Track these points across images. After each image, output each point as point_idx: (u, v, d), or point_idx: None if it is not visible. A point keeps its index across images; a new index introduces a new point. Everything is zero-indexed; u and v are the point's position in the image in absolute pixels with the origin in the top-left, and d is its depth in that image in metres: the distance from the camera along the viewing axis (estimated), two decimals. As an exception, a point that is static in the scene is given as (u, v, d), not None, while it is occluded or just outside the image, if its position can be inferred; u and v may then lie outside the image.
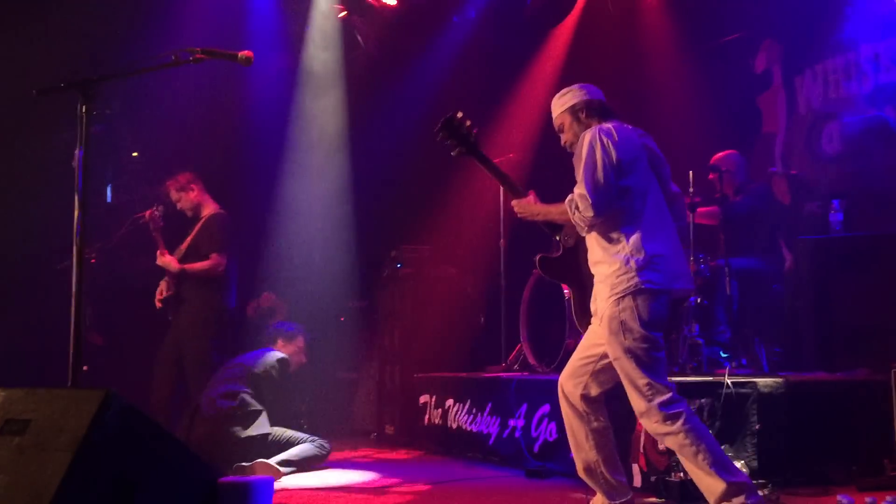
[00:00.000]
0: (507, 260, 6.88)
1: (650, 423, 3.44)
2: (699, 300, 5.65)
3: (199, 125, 8.54)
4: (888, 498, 3.00)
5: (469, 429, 5.98)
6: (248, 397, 5.68)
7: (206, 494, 2.23)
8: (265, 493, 2.30)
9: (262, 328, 8.29)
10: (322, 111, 8.83)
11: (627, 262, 3.46)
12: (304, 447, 5.55)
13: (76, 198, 5.00)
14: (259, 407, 5.64)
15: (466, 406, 6.07)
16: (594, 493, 3.78)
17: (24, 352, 7.08)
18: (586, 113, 3.71)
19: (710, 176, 5.96)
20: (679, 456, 3.45)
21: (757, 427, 4.47)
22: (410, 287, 7.38)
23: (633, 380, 3.43)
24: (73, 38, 6.97)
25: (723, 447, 4.21)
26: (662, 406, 3.37)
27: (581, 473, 3.73)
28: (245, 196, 8.78)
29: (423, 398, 6.63)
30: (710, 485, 3.33)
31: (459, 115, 3.93)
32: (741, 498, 3.27)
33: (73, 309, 4.72)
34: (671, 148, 7.17)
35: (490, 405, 5.80)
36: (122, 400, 2.26)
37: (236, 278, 6.74)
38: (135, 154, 9.04)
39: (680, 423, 3.35)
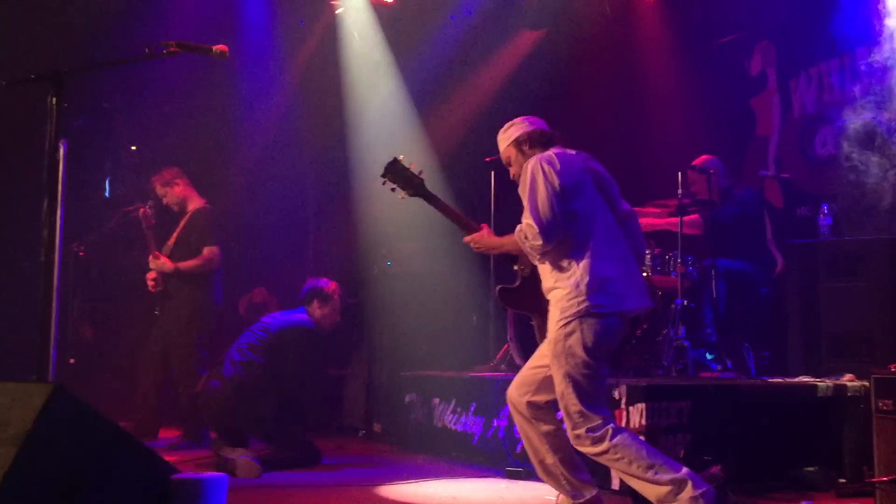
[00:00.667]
0: (497, 258, 6.84)
1: (581, 447, 3.51)
2: (686, 302, 5.63)
3: (195, 120, 8.53)
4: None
5: (454, 428, 5.96)
6: (255, 370, 5.54)
7: (158, 491, 2.21)
8: (219, 491, 2.28)
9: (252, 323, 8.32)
10: (316, 107, 8.81)
11: (577, 286, 3.49)
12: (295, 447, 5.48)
13: (59, 190, 5.03)
14: (264, 385, 5.49)
15: (451, 405, 6.05)
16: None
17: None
18: (529, 144, 3.76)
19: (691, 176, 5.94)
20: (616, 471, 3.53)
21: (736, 431, 4.47)
22: (400, 285, 7.35)
23: (567, 405, 3.49)
24: (47, 29, 6.93)
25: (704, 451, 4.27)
26: (590, 430, 3.44)
27: (542, 476, 3.75)
28: (238, 191, 8.78)
29: (410, 396, 6.61)
30: (653, 490, 3.37)
31: (402, 157, 3.99)
32: (687, 492, 3.29)
33: (51, 302, 4.75)
34: (665, 149, 7.24)
35: (475, 405, 5.78)
36: (70, 395, 2.24)
37: (222, 274, 6.74)
38: (133, 148, 9.05)
39: (606, 441, 3.41)
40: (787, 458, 4.54)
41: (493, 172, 6.70)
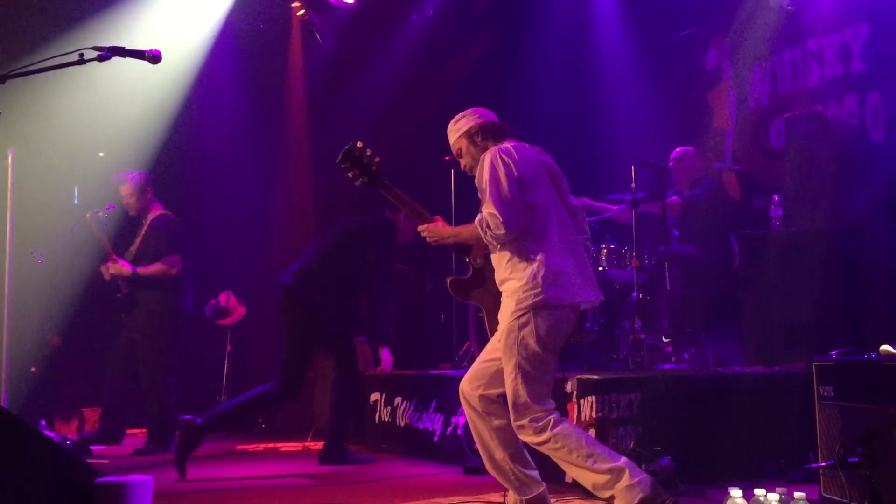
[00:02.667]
0: (458, 257, 6.86)
1: (524, 437, 3.54)
2: (642, 295, 5.67)
3: (160, 125, 8.51)
4: (778, 489, 3.00)
5: (415, 426, 5.98)
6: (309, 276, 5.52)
7: (81, 495, 2.22)
8: (143, 494, 2.29)
9: (219, 328, 8.32)
10: (280, 109, 8.82)
11: (534, 277, 3.50)
12: None
13: (8, 198, 5.04)
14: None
15: (413, 404, 6.07)
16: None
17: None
18: (481, 136, 3.75)
19: (671, 164, 6.00)
20: (556, 461, 3.51)
21: (687, 422, 4.51)
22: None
23: (514, 396, 3.51)
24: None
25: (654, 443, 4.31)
26: (532, 420, 3.47)
27: (490, 471, 3.76)
28: (206, 196, 8.78)
29: (374, 396, 6.63)
30: (591, 479, 3.40)
31: (360, 144, 3.95)
32: (624, 480, 3.32)
33: None
34: (624, 144, 7.28)
35: (435, 402, 5.80)
36: (-14, 400, 2.24)
37: (192, 279, 6.74)
38: (101, 154, 9.01)
39: (548, 431, 3.44)
40: (738, 448, 4.56)
41: (452, 171, 6.73)
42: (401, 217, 5.52)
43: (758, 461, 4.53)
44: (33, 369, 7.10)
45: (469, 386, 3.75)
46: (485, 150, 3.68)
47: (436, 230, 3.84)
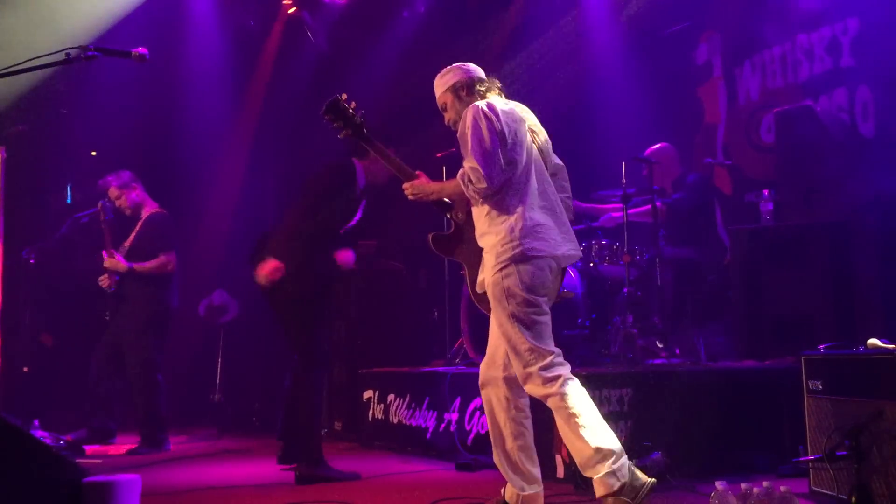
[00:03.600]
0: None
1: (531, 387, 3.52)
2: (632, 291, 5.68)
3: (152, 123, 8.52)
4: (764, 483, 3.02)
5: (408, 423, 5.99)
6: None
7: (69, 494, 2.22)
8: (131, 493, 2.29)
9: (212, 326, 8.32)
10: (272, 107, 8.82)
11: (512, 231, 3.54)
12: None
13: (-1, 199, 5.03)
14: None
15: (406, 400, 6.08)
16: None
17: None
18: (467, 91, 3.78)
19: (644, 172, 5.98)
20: (556, 417, 3.50)
21: (678, 417, 4.53)
22: (356, 282, 7.36)
23: (515, 345, 3.51)
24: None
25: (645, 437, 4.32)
26: (542, 369, 3.47)
27: (496, 460, 3.75)
28: (197, 194, 8.78)
29: (367, 393, 6.64)
30: (579, 449, 3.42)
31: (344, 96, 3.97)
32: (607, 464, 3.34)
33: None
34: (613, 139, 7.29)
35: (428, 399, 5.81)
36: (-29, 400, 2.24)
37: (178, 277, 6.73)
38: (94, 153, 9.01)
39: (558, 385, 3.44)
40: (729, 442, 4.59)
41: (444, 168, 6.73)
42: (367, 162, 5.00)
43: (748, 455, 4.55)
44: (25, 369, 7.09)
45: (491, 370, 3.75)
46: (469, 105, 3.69)
47: (420, 187, 3.87)
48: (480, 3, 8.44)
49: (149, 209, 6.71)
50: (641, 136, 6.72)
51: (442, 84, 3.86)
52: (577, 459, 3.47)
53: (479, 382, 3.80)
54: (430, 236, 3.97)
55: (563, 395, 3.42)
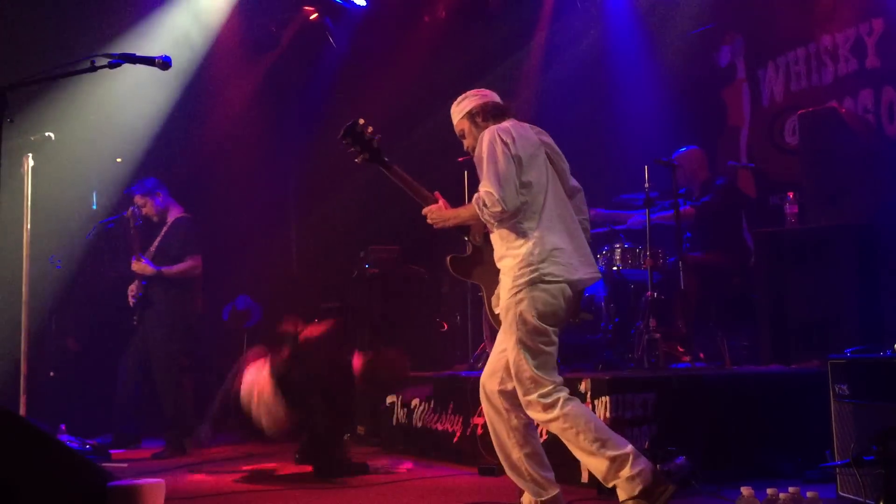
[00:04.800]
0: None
1: (532, 413, 3.56)
2: (656, 295, 5.65)
3: (177, 130, 8.58)
4: (791, 489, 2.99)
5: (434, 427, 5.98)
6: None
7: (93, 498, 2.24)
8: (155, 497, 2.31)
9: (236, 332, 8.37)
10: (294, 112, 8.86)
11: (529, 255, 3.55)
12: None
13: (26, 204, 5.08)
14: None
15: (431, 405, 6.07)
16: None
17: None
18: (482, 116, 3.80)
19: (675, 174, 5.97)
20: (564, 441, 3.52)
21: (702, 421, 4.49)
22: (379, 287, 7.37)
23: (518, 371, 3.54)
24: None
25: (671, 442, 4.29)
26: (541, 397, 3.49)
27: (507, 471, 3.76)
28: (221, 199, 8.83)
29: (391, 398, 6.63)
30: (595, 464, 3.43)
31: (361, 121, 3.98)
32: (626, 470, 3.35)
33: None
34: (636, 142, 7.26)
35: (452, 404, 5.80)
36: (1, 407, 2.27)
37: (203, 281, 6.77)
38: (119, 160, 9.09)
39: (557, 409, 3.46)
40: (754, 447, 4.56)
41: (465, 172, 6.74)
42: None
43: (774, 460, 4.51)
44: (52, 374, 7.16)
45: (489, 382, 3.78)
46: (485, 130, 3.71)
47: (438, 214, 3.87)
48: (502, 6, 8.43)
49: (174, 214, 6.76)
50: (664, 139, 6.70)
51: (458, 111, 3.88)
52: (595, 475, 3.48)
53: (481, 393, 3.83)
54: (448, 259, 4.01)
55: (564, 417, 3.45)
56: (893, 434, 3.30)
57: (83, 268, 7.69)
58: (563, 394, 3.50)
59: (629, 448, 3.42)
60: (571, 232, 3.68)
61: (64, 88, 7.27)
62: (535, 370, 3.50)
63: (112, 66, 3.29)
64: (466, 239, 4.01)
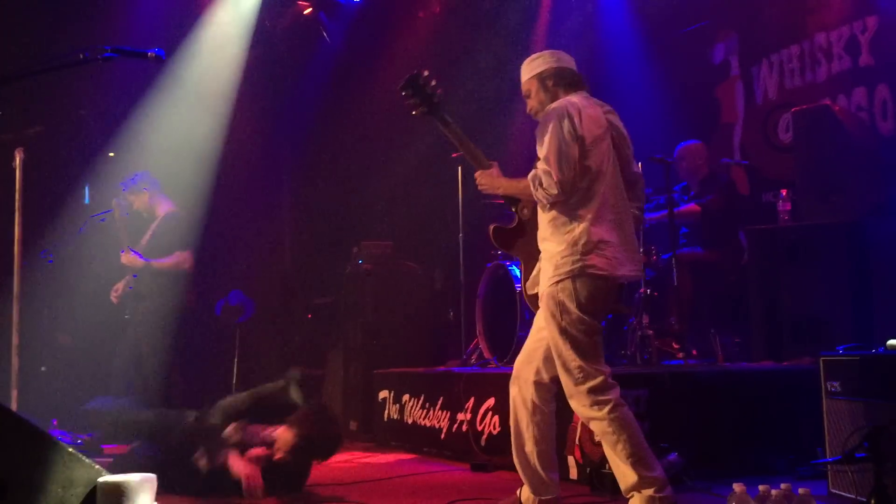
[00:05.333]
0: (466, 254, 6.87)
1: (577, 406, 3.44)
2: (649, 291, 5.65)
3: (169, 124, 8.54)
4: (782, 485, 3.00)
5: (423, 423, 5.99)
6: None
7: (85, 493, 2.23)
8: (147, 492, 2.30)
9: (229, 326, 8.35)
10: (285, 108, 8.83)
11: (574, 244, 3.41)
12: None
13: (17, 198, 5.05)
14: None
15: (420, 401, 6.07)
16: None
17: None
18: (554, 81, 3.60)
19: (678, 166, 5.99)
20: (601, 441, 3.44)
21: (695, 418, 4.50)
22: (372, 283, 7.37)
23: (565, 361, 3.42)
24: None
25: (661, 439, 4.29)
26: (591, 391, 3.37)
27: (515, 462, 3.69)
28: (213, 193, 8.80)
29: (383, 394, 6.63)
30: (622, 473, 3.36)
31: (426, 73, 3.70)
32: (650, 491, 3.28)
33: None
34: (631, 138, 7.24)
35: (441, 400, 5.80)
36: (-13, 399, 2.26)
37: (195, 277, 6.75)
38: (111, 154, 9.05)
39: (606, 410, 3.34)
40: (747, 444, 4.57)
41: (459, 168, 6.74)
42: None
43: (766, 457, 4.53)
44: (43, 368, 7.14)
45: (525, 370, 3.66)
46: (554, 96, 3.56)
47: (490, 180, 3.70)
48: (496, 3, 8.42)
49: (165, 208, 6.74)
50: (658, 137, 6.70)
51: (529, 70, 3.66)
52: (620, 483, 3.40)
53: (512, 379, 3.72)
54: (490, 227, 3.86)
55: (610, 422, 3.33)
56: (884, 431, 3.31)
57: (75, 262, 7.65)
58: (615, 396, 3.37)
59: (660, 473, 3.34)
60: (622, 224, 3.50)
61: (55, 82, 7.22)
62: (582, 359, 3.38)
63: (105, 59, 3.27)
64: (513, 210, 3.85)
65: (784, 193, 5.63)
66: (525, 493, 3.72)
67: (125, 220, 6.50)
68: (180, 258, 6.53)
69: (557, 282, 3.43)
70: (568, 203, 3.44)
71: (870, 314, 5.06)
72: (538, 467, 3.64)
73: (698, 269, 6.06)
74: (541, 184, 3.40)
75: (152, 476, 2.36)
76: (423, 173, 7.73)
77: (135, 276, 6.51)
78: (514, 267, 6.07)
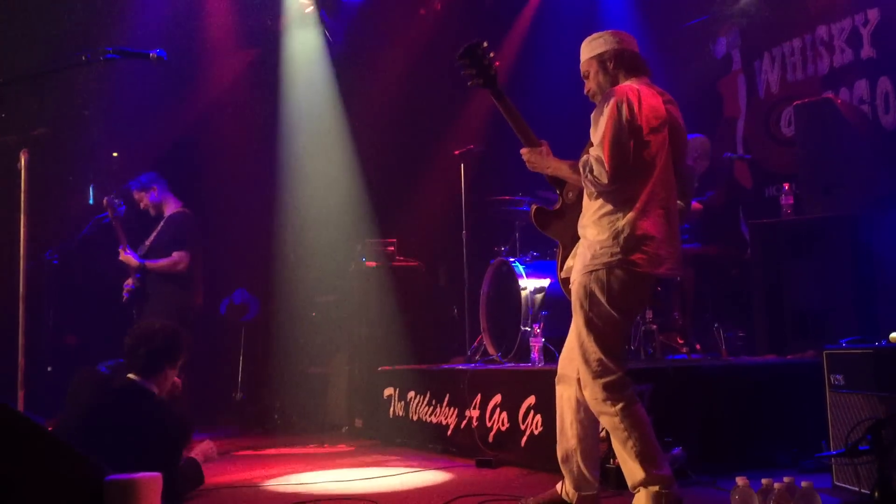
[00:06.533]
0: (470, 251, 6.89)
1: (590, 397, 3.39)
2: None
3: (173, 124, 8.57)
4: (785, 478, 3.01)
5: (429, 420, 5.99)
6: None
7: (90, 493, 2.25)
8: (152, 491, 2.32)
9: (233, 325, 8.38)
10: (289, 111, 8.85)
11: (617, 236, 3.31)
12: None
13: (22, 199, 5.07)
14: None
15: (426, 398, 6.08)
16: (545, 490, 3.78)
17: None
18: (615, 63, 3.48)
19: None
20: (611, 436, 3.42)
21: (699, 412, 4.51)
22: (376, 280, 7.39)
23: (585, 351, 3.36)
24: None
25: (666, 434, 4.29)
26: (606, 387, 3.32)
27: (559, 459, 3.67)
28: (218, 193, 8.83)
29: (388, 391, 6.65)
30: (632, 470, 3.33)
31: (485, 44, 3.58)
32: (656, 487, 3.27)
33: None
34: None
35: (448, 396, 5.81)
36: (-6, 400, 2.29)
37: (202, 275, 6.77)
38: (115, 154, 9.08)
39: (619, 407, 3.31)
40: (750, 438, 4.57)
41: (461, 164, 6.76)
42: None
43: (770, 450, 4.53)
44: (49, 369, 7.17)
45: (569, 367, 3.59)
46: (614, 79, 3.46)
47: (538, 158, 3.62)
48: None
49: (172, 208, 6.75)
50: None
51: (589, 50, 3.54)
52: (627, 479, 3.38)
53: (556, 377, 3.69)
54: (533, 208, 3.81)
55: (622, 418, 3.30)
56: (887, 424, 3.32)
57: (80, 262, 7.68)
58: (629, 394, 3.34)
59: (667, 472, 3.32)
60: (669, 220, 3.38)
61: (60, 84, 7.25)
62: (603, 353, 3.32)
63: (106, 60, 3.28)
64: (558, 193, 3.80)
65: (787, 187, 5.63)
66: (567, 488, 3.67)
67: (120, 219, 6.52)
68: (174, 260, 6.53)
69: (591, 271, 3.34)
70: (616, 193, 3.33)
71: (873, 307, 5.07)
72: (581, 464, 3.60)
73: (701, 263, 6.07)
74: (591, 170, 3.30)
75: (158, 475, 2.38)
76: (427, 170, 7.74)
77: (138, 275, 6.53)
78: (517, 263, 6.09)
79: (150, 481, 2.35)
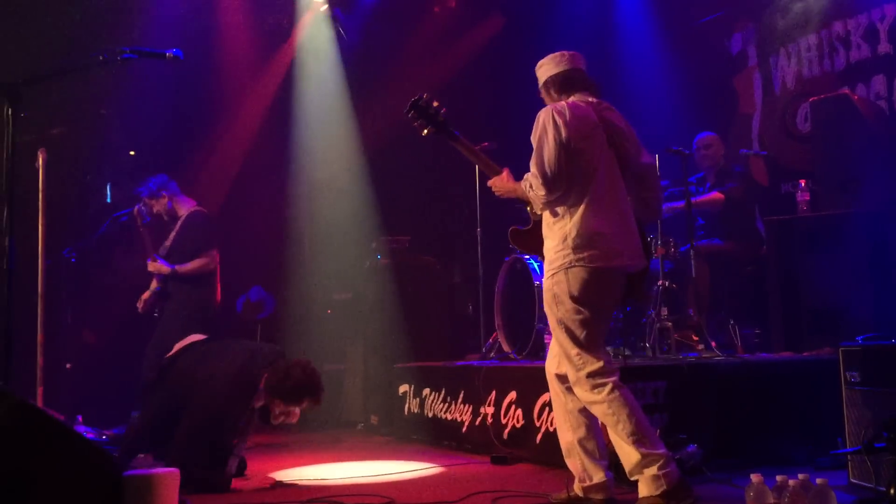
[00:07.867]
0: (484, 248, 6.89)
1: (580, 392, 3.58)
2: (667, 283, 5.65)
3: (189, 123, 8.61)
4: (800, 475, 3.00)
5: (444, 417, 6.01)
6: None
7: (109, 488, 2.28)
8: (170, 486, 2.34)
9: (250, 322, 8.41)
10: (302, 108, 8.88)
11: (564, 239, 3.57)
12: None
13: (40, 198, 5.11)
14: None
15: (441, 395, 6.10)
16: (562, 485, 3.81)
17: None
18: (554, 88, 3.78)
19: (698, 151, 5.97)
20: (604, 423, 3.58)
21: (714, 410, 4.50)
22: (391, 277, 7.41)
23: (565, 350, 3.60)
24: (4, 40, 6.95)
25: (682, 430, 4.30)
26: (590, 375, 3.53)
27: (564, 453, 3.79)
28: (233, 190, 8.87)
29: (403, 388, 6.67)
30: (626, 454, 3.48)
31: (425, 96, 4.02)
32: (653, 469, 3.38)
33: (35, 308, 4.84)
34: (646, 131, 7.21)
35: (463, 393, 5.82)
36: (15, 396, 2.31)
37: (220, 274, 6.80)
38: (132, 153, 9.13)
39: (605, 392, 3.49)
40: (766, 435, 4.56)
41: (476, 167, 6.74)
42: None
43: (786, 448, 4.52)
44: (68, 366, 7.22)
45: (550, 364, 3.84)
46: (557, 101, 3.70)
47: (501, 183, 3.90)
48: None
49: (187, 208, 6.76)
50: (675, 128, 6.69)
51: (538, 77, 3.86)
52: (624, 464, 3.50)
53: (546, 375, 3.88)
54: (509, 230, 4.04)
55: (609, 403, 3.47)
56: (904, 421, 3.31)
57: (98, 260, 7.73)
58: (614, 378, 3.52)
59: (663, 451, 3.44)
60: (623, 215, 3.63)
61: (76, 83, 7.29)
62: (579, 347, 3.54)
63: (122, 61, 3.31)
64: (529, 210, 4.01)
65: (803, 184, 5.61)
66: (576, 485, 3.74)
67: (148, 227, 6.55)
68: (205, 261, 6.54)
69: (552, 274, 3.61)
70: (559, 201, 3.59)
71: (889, 304, 5.05)
72: (581, 455, 3.71)
73: (716, 260, 6.05)
74: (531, 187, 3.59)
75: (176, 470, 2.40)
76: (441, 168, 7.74)
77: (160, 277, 6.55)
78: (532, 261, 6.08)
79: (168, 477, 2.37)
